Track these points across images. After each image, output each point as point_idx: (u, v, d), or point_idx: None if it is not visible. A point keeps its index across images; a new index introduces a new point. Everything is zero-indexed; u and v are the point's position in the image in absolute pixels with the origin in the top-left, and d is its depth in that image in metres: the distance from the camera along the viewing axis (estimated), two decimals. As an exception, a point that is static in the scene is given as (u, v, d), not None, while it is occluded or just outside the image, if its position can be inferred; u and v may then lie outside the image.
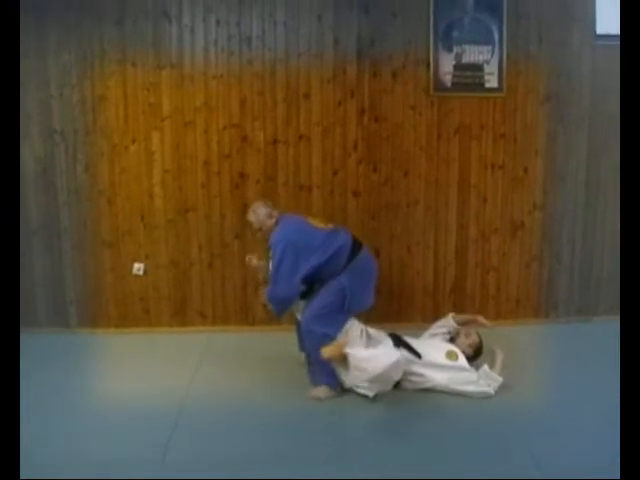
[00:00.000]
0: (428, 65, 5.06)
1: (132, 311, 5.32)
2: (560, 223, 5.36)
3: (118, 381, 4.30)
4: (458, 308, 5.10)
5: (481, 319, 4.48)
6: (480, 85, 5.10)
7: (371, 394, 3.90)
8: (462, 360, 4.12)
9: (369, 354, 3.87)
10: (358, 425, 3.73)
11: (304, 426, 3.71)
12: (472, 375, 4.04)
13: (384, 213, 5.25)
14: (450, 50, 5.05)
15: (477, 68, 5.07)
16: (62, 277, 5.24)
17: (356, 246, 4.23)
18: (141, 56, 4.97)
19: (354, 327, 4.19)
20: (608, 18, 5.00)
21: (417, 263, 5.35)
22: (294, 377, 4.27)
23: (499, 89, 5.11)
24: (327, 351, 3.77)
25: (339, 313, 4.12)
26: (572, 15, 5.10)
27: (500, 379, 4.00)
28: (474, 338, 4.29)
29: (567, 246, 5.40)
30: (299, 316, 4.25)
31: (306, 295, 4.21)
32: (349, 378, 3.88)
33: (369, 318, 4.49)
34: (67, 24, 4.89)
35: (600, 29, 5.13)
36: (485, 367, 4.04)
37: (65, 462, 3.29)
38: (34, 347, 4.62)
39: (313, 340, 4.01)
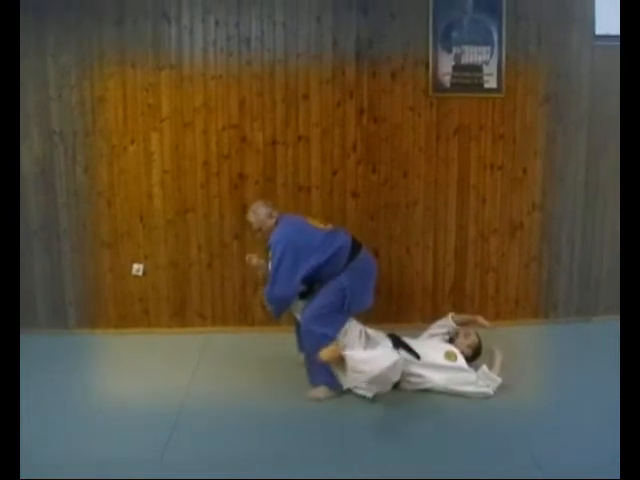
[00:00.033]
0: (427, 66, 5.06)
1: (131, 312, 5.31)
2: (559, 223, 5.36)
3: (117, 382, 4.29)
4: (457, 308, 5.10)
5: (480, 319, 4.48)
6: (479, 86, 5.10)
7: (370, 395, 3.89)
8: (461, 361, 4.12)
9: (367, 356, 3.87)
10: (357, 425, 3.72)
11: (303, 426, 3.71)
12: (471, 376, 4.04)
13: (383, 214, 5.25)
14: (449, 51, 5.05)
15: (476, 69, 5.08)
16: (61, 278, 5.24)
17: (356, 246, 4.23)
18: (140, 57, 4.97)
19: (353, 327, 4.19)
20: (607, 19, 5.01)
21: (416, 263, 5.35)
22: (293, 377, 4.27)
23: (498, 90, 5.11)
24: (325, 353, 3.77)
25: (339, 313, 4.12)
26: (571, 16, 5.11)
27: (499, 379, 4.00)
28: (473, 339, 4.29)
29: (566, 246, 5.41)
30: (298, 316, 4.25)
31: (306, 295, 4.21)
32: (347, 380, 3.87)
33: (368, 318, 4.49)
34: (66, 25, 4.90)
35: (599, 30, 5.13)
36: (484, 367, 4.04)
37: (65, 462, 3.29)
38: (33, 348, 4.61)
39: (312, 340, 4.01)
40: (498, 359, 4.13)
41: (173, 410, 3.86)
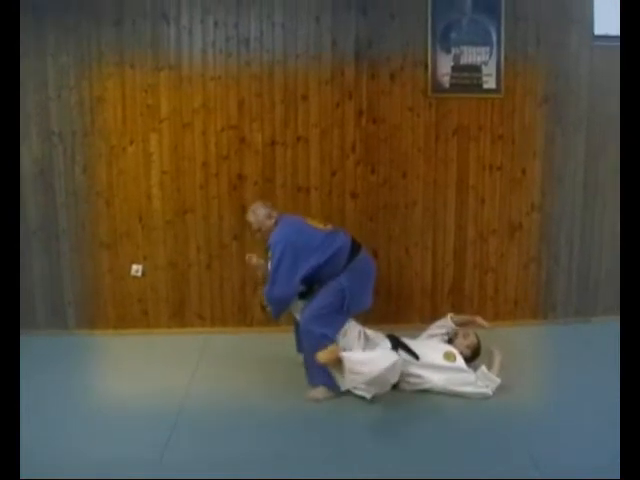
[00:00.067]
0: (426, 66, 5.06)
1: (130, 312, 5.31)
2: (558, 224, 5.36)
3: (117, 382, 4.29)
4: (456, 309, 5.10)
5: (479, 320, 4.48)
6: (478, 86, 5.10)
7: (369, 396, 3.89)
8: (460, 361, 4.12)
9: (365, 357, 3.87)
10: (356, 426, 3.72)
11: (302, 427, 3.72)
12: (470, 376, 4.04)
13: (382, 214, 5.25)
14: (448, 51, 5.05)
15: (475, 69, 5.08)
16: (60, 278, 5.24)
17: (355, 247, 4.23)
18: (139, 58, 4.97)
19: (352, 328, 4.20)
20: (606, 19, 5.02)
21: (415, 264, 5.35)
22: (292, 378, 4.27)
23: (497, 90, 5.11)
24: (322, 356, 3.76)
25: (338, 314, 4.12)
26: (570, 16, 5.11)
27: (498, 380, 4.00)
28: (472, 339, 4.29)
29: (565, 247, 5.41)
30: (298, 316, 4.25)
31: (305, 295, 4.21)
32: (345, 382, 3.86)
33: (367, 319, 4.50)
34: (66, 25, 4.90)
35: (598, 30, 5.14)
36: (483, 368, 4.04)
37: (65, 462, 3.29)
38: (33, 348, 4.60)
39: (311, 340, 4.01)
40: (497, 359, 4.13)
41: (173, 410, 3.86)
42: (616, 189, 5.03)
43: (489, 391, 3.98)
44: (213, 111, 5.06)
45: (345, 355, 3.73)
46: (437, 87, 5.09)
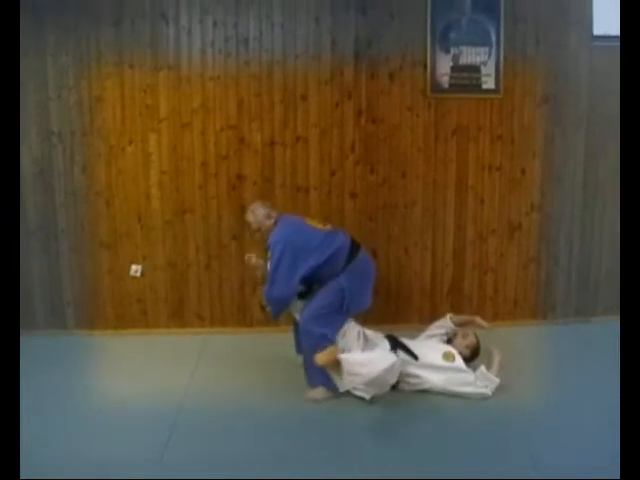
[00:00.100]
0: (425, 66, 5.06)
1: (129, 312, 5.31)
2: (558, 224, 5.36)
3: (116, 382, 4.29)
4: (456, 309, 5.10)
5: (479, 320, 4.48)
6: (477, 86, 5.10)
7: (368, 396, 3.90)
8: (459, 361, 4.12)
9: (364, 358, 3.86)
10: (355, 426, 3.72)
11: (302, 427, 3.72)
12: (469, 376, 4.04)
13: (381, 214, 5.25)
14: (447, 51, 5.05)
15: (474, 69, 5.08)
16: (59, 278, 5.24)
17: (354, 247, 4.23)
18: (138, 58, 4.97)
19: (352, 329, 4.20)
20: (605, 19, 5.01)
21: (415, 264, 5.35)
22: (291, 378, 4.27)
23: (496, 90, 5.11)
24: (320, 357, 3.75)
25: (338, 314, 4.12)
26: (569, 17, 5.11)
27: (497, 380, 4.00)
28: (471, 339, 4.29)
29: (565, 247, 5.40)
30: (297, 316, 4.24)
31: (304, 295, 4.21)
32: (343, 383, 3.86)
33: (367, 319, 4.50)
34: (65, 25, 4.89)
35: (597, 30, 5.13)
36: (482, 368, 4.04)
37: (65, 462, 3.30)
38: (32, 348, 4.60)
39: (311, 341, 4.01)
40: (496, 359, 4.13)
41: (172, 410, 3.86)
42: (616, 189, 5.03)
43: (488, 391, 3.98)
44: (212, 111, 5.05)
45: (343, 356, 3.72)
46: (436, 87, 5.09)
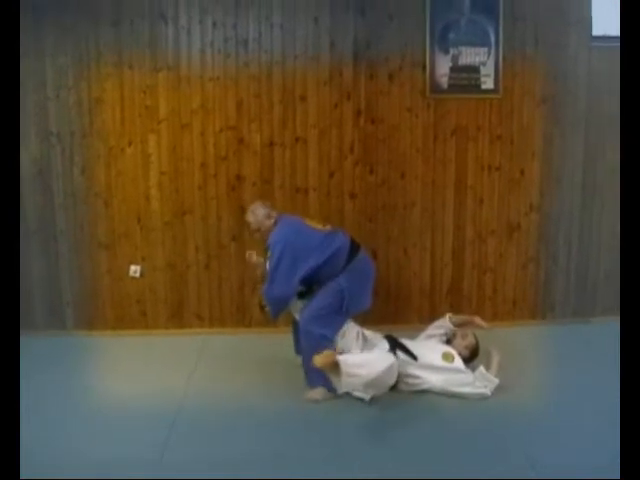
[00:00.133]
0: (424, 67, 5.06)
1: (129, 313, 5.31)
2: (556, 225, 5.37)
3: (116, 383, 4.29)
4: (455, 309, 5.08)
5: (478, 320, 4.48)
6: (476, 87, 5.10)
7: (367, 397, 3.90)
8: (458, 362, 4.12)
9: (362, 360, 3.84)
10: (355, 426, 3.72)
11: (301, 427, 3.72)
12: (468, 377, 4.04)
13: (381, 215, 5.25)
14: (446, 52, 5.05)
15: (473, 70, 5.08)
16: (59, 279, 5.24)
17: (354, 248, 4.23)
18: (137, 58, 4.97)
19: (351, 329, 4.20)
20: (605, 20, 5.02)
21: (414, 264, 5.35)
22: (291, 379, 4.26)
23: (495, 91, 5.12)
24: (319, 360, 3.74)
25: (337, 314, 4.12)
26: (568, 17, 5.11)
27: (496, 380, 4.00)
28: (470, 340, 4.29)
29: (563, 248, 5.41)
30: (297, 316, 4.24)
31: (304, 295, 4.21)
32: (342, 385, 3.84)
33: (366, 320, 4.49)
34: (64, 26, 4.89)
35: (596, 30, 5.14)
36: (481, 368, 4.04)
37: (65, 462, 3.30)
38: (31, 349, 4.59)
39: (311, 341, 4.01)
40: (495, 360, 4.13)
41: (172, 411, 3.86)
42: (614, 190, 5.03)
43: (487, 391, 3.98)
44: (211, 112, 5.06)
45: (341, 358, 3.70)
46: (435, 87, 5.09)
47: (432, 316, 4.92)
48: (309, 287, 4.20)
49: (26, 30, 4.77)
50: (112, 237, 5.20)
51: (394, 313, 5.33)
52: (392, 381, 3.88)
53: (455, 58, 5.06)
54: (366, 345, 4.16)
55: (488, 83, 5.10)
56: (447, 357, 4.13)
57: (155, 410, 3.86)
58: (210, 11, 4.94)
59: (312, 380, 4.09)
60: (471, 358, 4.23)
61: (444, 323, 4.52)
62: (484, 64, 5.07)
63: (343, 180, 5.18)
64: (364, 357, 3.92)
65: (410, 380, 4.06)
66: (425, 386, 4.06)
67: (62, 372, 4.49)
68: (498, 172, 5.25)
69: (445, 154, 5.20)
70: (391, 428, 3.71)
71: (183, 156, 5.10)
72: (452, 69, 5.07)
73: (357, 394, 3.92)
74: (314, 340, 3.98)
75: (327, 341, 3.97)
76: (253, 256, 4.47)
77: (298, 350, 4.42)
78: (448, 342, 4.36)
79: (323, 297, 4.11)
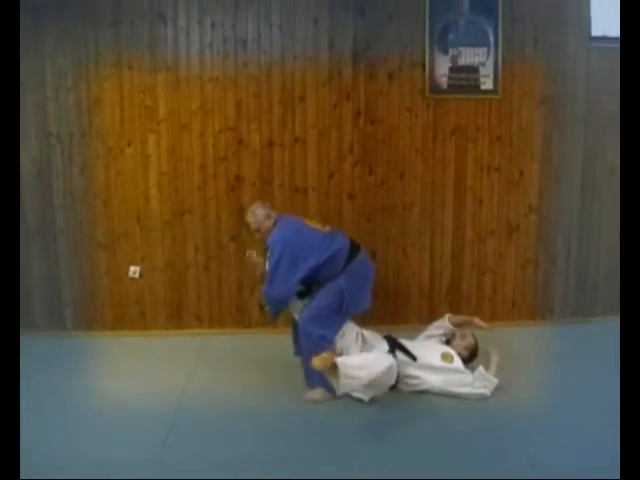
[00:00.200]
0: (424, 67, 5.07)
1: (128, 314, 5.31)
2: (556, 226, 5.37)
3: (115, 383, 4.29)
4: (454, 309, 5.08)
5: (477, 321, 4.47)
6: (476, 87, 5.11)
7: (366, 398, 3.90)
8: (457, 362, 4.12)
9: (361, 361, 3.83)
10: (354, 427, 3.72)
11: (300, 428, 3.72)
12: (467, 377, 4.04)
13: (380, 215, 5.25)
14: (446, 52, 5.05)
15: (473, 70, 5.08)
16: (58, 280, 5.23)
17: (354, 249, 4.24)
18: (137, 59, 4.97)
19: (350, 330, 4.20)
20: (603, 20, 5.03)
21: (413, 265, 5.35)
22: (290, 379, 4.26)
23: (494, 91, 5.12)
24: (317, 362, 3.73)
25: (337, 315, 4.12)
26: (567, 18, 5.11)
27: (495, 381, 4.00)
28: (470, 340, 4.29)
29: (563, 248, 5.41)
30: (296, 316, 4.24)
31: (304, 295, 4.21)
32: (341, 387, 3.83)
33: (365, 320, 4.49)
34: (63, 26, 4.89)
35: (595, 31, 5.14)
36: (480, 369, 4.04)
37: (65, 462, 3.30)
38: (31, 349, 4.58)
39: (310, 342, 4.01)
40: (494, 360, 4.13)
41: (171, 411, 3.86)
42: (613, 190, 5.04)
43: (487, 392, 3.99)
44: (211, 112, 5.06)
45: (340, 360, 3.69)
46: (435, 88, 5.09)
47: (431, 316, 4.92)
48: (308, 287, 4.20)
49: (25, 30, 4.76)
50: (111, 237, 5.19)
51: (393, 313, 5.33)
52: (391, 382, 3.88)
53: (454, 58, 5.06)
54: (365, 346, 4.16)
55: (487, 84, 5.10)
56: (446, 357, 4.13)
57: (155, 410, 3.87)
58: (209, 12, 4.94)
59: (311, 380, 4.09)
60: (470, 358, 4.24)
61: (443, 323, 4.52)
62: (483, 65, 5.08)
63: (342, 180, 5.18)
64: (363, 358, 3.92)
65: (409, 380, 4.06)
66: (424, 386, 4.06)
67: (62, 372, 4.48)
68: (497, 173, 5.25)
69: (444, 154, 5.20)
70: (391, 428, 3.71)
71: (182, 156, 5.10)
72: (451, 69, 5.07)
73: (356, 395, 3.92)
74: (313, 341, 3.98)
75: (326, 342, 3.97)
76: (253, 255, 4.47)
77: (297, 351, 4.42)
78: (447, 342, 4.36)
79: (323, 297, 4.11)
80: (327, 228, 4.33)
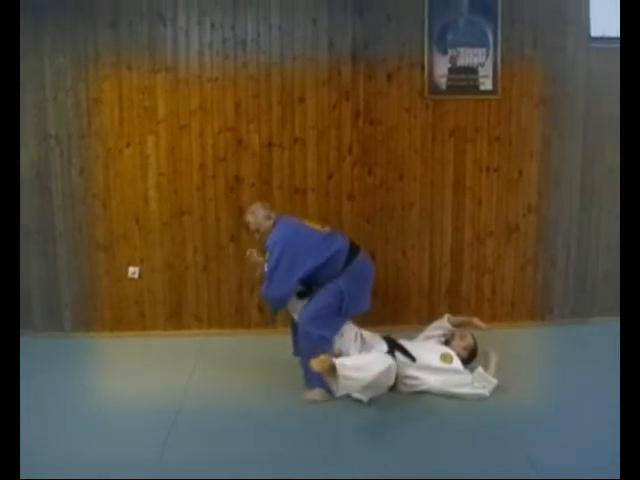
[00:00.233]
0: (423, 68, 5.07)
1: (127, 314, 5.30)
2: (555, 226, 5.37)
3: (115, 383, 4.29)
4: (453, 310, 5.07)
5: (477, 321, 4.47)
6: (475, 88, 5.11)
7: (365, 399, 3.90)
8: (457, 363, 4.12)
9: (359, 362, 3.81)
10: (353, 427, 3.72)
11: (300, 428, 3.72)
12: (467, 377, 4.03)
13: (379, 216, 5.25)
14: (445, 53, 5.06)
15: (472, 71, 5.09)
16: (57, 281, 5.23)
17: (353, 249, 4.24)
18: (136, 59, 4.97)
19: (349, 330, 4.20)
20: (603, 21, 5.04)
21: (412, 265, 5.35)
22: (289, 379, 4.26)
23: (494, 92, 5.12)
24: (315, 364, 3.73)
25: (336, 315, 4.12)
26: (566, 18, 5.12)
27: (495, 381, 4.00)
28: (469, 341, 4.29)
29: (562, 249, 5.41)
30: (296, 316, 4.24)
31: (303, 295, 4.21)
32: (339, 388, 3.82)
33: (365, 321, 4.48)
34: (62, 26, 4.89)
35: (595, 32, 5.15)
36: (480, 369, 4.04)
37: (65, 462, 3.30)
38: (30, 350, 4.58)
39: (309, 343, 4.00)
40: (493, 360, 4.13)
41: (171, 411, 3.85)
42: (613, 191, 5.05)
43: (486, 392, 3.98)
44: (210, 113, 5.06)
45: (338, 362, 3.67)
46: (434, 88, 5.10)
47: (431, 317, 4.91)
48: (308, 287, 4.20)
49: (24, 30, 4.75)
50: (110, 238, 5.19)
51: (392, 314, 5.33)
52: (390, 383, 3.88)
53: (453, 59, 5.07)
54: (364, 346, 4.16)
55: (486, 84, 5.11)
56: (445, 358, 4.13)
57: (155, 410, 3.86)
58: (208, 12, 4.94)
59: (311, 381, 4.09)
60: (469, 359, 4.23)
61: (443, 324, 4.52)
62: (482, 65, 5.08)
63: (342, 181, 5.18)
64: (361, 360, 3.91)
65: (409, 381, 4.06)
66: (424, 387, 4.06)
67: (61, 372, 4.48)
68: (496, 173, 5.25)
69: (443, 155, 5.20)
70: (390, 429, 3.71)
71: (182, 157, 5.09)
72: (450, 70, 5.07)
73: (355, 395, 3.91)
74: (313, 341, 3.98)
75: (326, 342, 3.97)
76: (254, 254, 4.46)
77: (297, 352, 4.41)
78: (446, 343, 4.35)
79: (322, 298, 4.11)
80: (326, 229, 4.33)
